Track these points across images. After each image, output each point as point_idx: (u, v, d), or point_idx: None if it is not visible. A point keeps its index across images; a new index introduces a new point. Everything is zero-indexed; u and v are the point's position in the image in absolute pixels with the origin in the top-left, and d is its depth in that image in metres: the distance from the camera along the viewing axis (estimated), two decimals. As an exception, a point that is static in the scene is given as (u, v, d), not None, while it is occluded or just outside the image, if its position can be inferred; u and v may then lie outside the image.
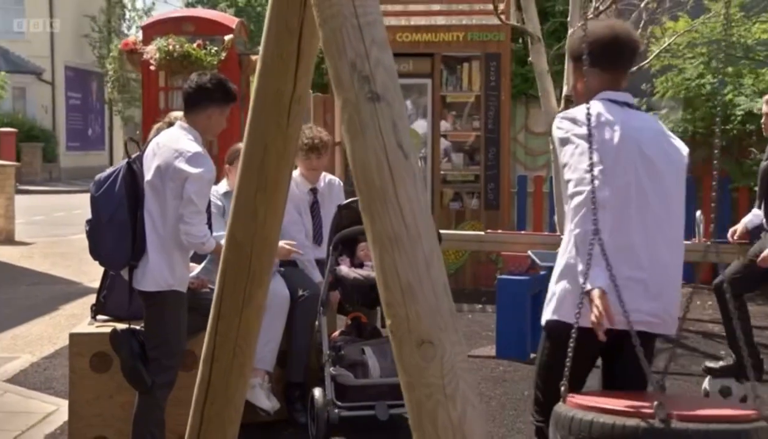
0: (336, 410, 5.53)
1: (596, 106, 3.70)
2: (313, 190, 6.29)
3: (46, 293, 10.88)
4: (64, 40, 38.26)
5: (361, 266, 5.96)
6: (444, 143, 11.38)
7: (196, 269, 4.91)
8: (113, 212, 4.59)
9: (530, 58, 10.01)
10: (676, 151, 3.80)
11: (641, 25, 9.97)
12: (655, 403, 3.13)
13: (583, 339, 3.46)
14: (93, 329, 5.10)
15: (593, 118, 3.59)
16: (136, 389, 4.67)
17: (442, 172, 11.27)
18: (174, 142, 4.57)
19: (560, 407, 3.36)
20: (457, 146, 11.44)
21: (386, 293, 2.61)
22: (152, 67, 10.67)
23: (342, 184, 6.51)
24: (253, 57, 11.29)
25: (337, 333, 5.99)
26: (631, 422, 3.14)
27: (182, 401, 4.32)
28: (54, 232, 17.53)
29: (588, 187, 3.50)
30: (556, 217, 9.96)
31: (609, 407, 3.22)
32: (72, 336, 5.07)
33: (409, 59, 11.07)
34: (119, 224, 4.58)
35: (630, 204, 3.59)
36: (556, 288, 3.77)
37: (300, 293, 5.95)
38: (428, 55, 11.15)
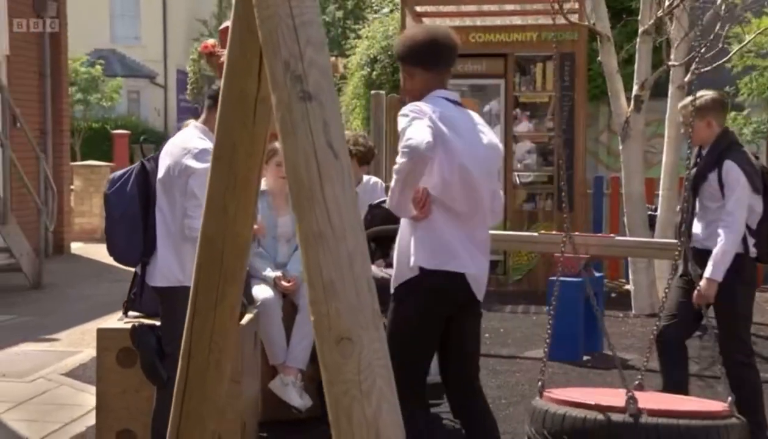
0: (364, 409, 5.56)
1: (437, 102, 4.10)
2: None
3: (125, 289, 11.15)
4: (176, 44, 39.24)
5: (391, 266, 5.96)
6: (520, 144, 11.31)
7: None
8: (124, 210, 4.74)
9: (599, 58, 9.90)
10: (495, 147, 4.29)
11: (718, 23, 9.73)
12: (627, 396, 3.13)
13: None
14: (121, 324, 5.24)
15: (437, 113, 4.04)
16: (154, 384, 4.79)
17: (515, 174, 11.21)
18: (185, 141, 4.69)
19: (536, 402, 3.40)
20: (532, 147, 11.37)
21: (310, 290, 2.63)
22: (228, 70, 10.88)
23: (383, 184, 6.54)
24: (331, 59, 11.44)
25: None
26: (602, 416, 3.15)
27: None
28: (151, 231, 17.99)
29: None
30: (625, 219, 9.82)
31: (581, 401, 3.23)
32: (99, 332, 5.22)
33: (482, 60, 11.03)
34: (131, 221, 4.73)
35: (456, 192, 4.08)
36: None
37: (336, 292, 6.00)
38: (501, 56, 11.09)
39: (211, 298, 3.48)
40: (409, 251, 4.14)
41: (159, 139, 36.32)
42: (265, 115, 3.34)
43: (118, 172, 4.89)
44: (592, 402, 3.25)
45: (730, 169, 5.22)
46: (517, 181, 11.61)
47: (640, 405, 3.20)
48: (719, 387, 6.97)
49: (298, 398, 5.77)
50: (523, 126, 11.38)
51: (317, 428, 5.87)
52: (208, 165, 4.60)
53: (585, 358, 7.63)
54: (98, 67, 32.52)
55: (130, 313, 5.44)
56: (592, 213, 11.60)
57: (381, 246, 6.05)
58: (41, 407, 6.36)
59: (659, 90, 10.55)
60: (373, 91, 10.81)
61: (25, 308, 10.08)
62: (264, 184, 6.06)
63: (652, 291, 9.74)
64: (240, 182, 3.39)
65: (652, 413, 3.15)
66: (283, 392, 5.77)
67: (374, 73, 13.86)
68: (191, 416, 3.61)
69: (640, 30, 9.73)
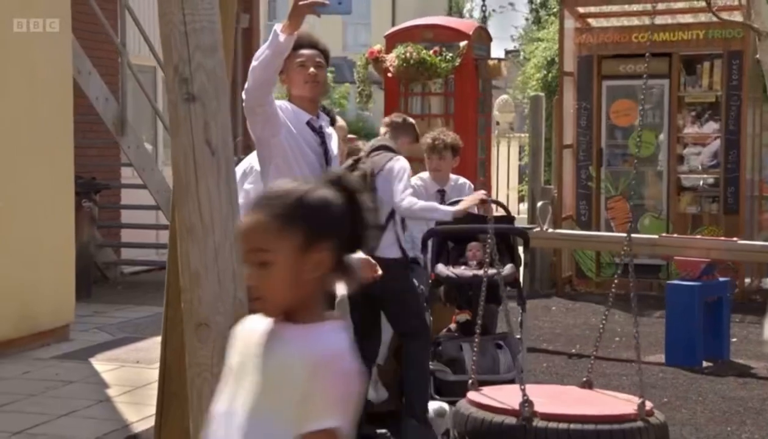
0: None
1: None
2: (441, 192, 6.40)
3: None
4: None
5: (465, 265, 6.01)
6: (710, 145, 10.98)
7: None
8: None
9: (757, 56, 9.46)
10: None
11: None
12: (521, 400, 3.16)
13: None
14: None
15: None
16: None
17: (679, 176, 10.88)
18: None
19: (459, 401, 3.47)
20: (718, 148, 10.97)
21: (181, 278, 2.84)
22: (390, 75, 11.15)
23: (472, 186, 6.57)
24: (490, 61, 11.47)
25: (444, 330, 6.10)
26: (498, 418, 3.20)
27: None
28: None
29: None
30: (785, 224, 9.37)
31: (484, 403, 3.28)
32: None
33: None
34: None
35: None
36: None
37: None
38: (666, 55, 10.78)
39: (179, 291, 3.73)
40: None
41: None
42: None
43: None
44: (493, 404, 3.30)
45: None
46: (700, 183, 11.24)
47: (547, 408, 3.22)
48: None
49: (372, 391, 5.91)
50: (693, 127, 11.04)
51: (392, 421, 5.99)
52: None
53: (705, 364, 7.35)
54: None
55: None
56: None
57: (458, 246, 6.11)
58: (153, 392, 6.79)
59: None
60: (532, 94, 10.79)
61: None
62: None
63: (808, 299, 9.24)
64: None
65: (545, 416, 3.18)
66: (358, 385, 5.93)
67: (550, 75, 13.77)
68: (173, 399, 3.86)
69: (804, 25, 9.23)
